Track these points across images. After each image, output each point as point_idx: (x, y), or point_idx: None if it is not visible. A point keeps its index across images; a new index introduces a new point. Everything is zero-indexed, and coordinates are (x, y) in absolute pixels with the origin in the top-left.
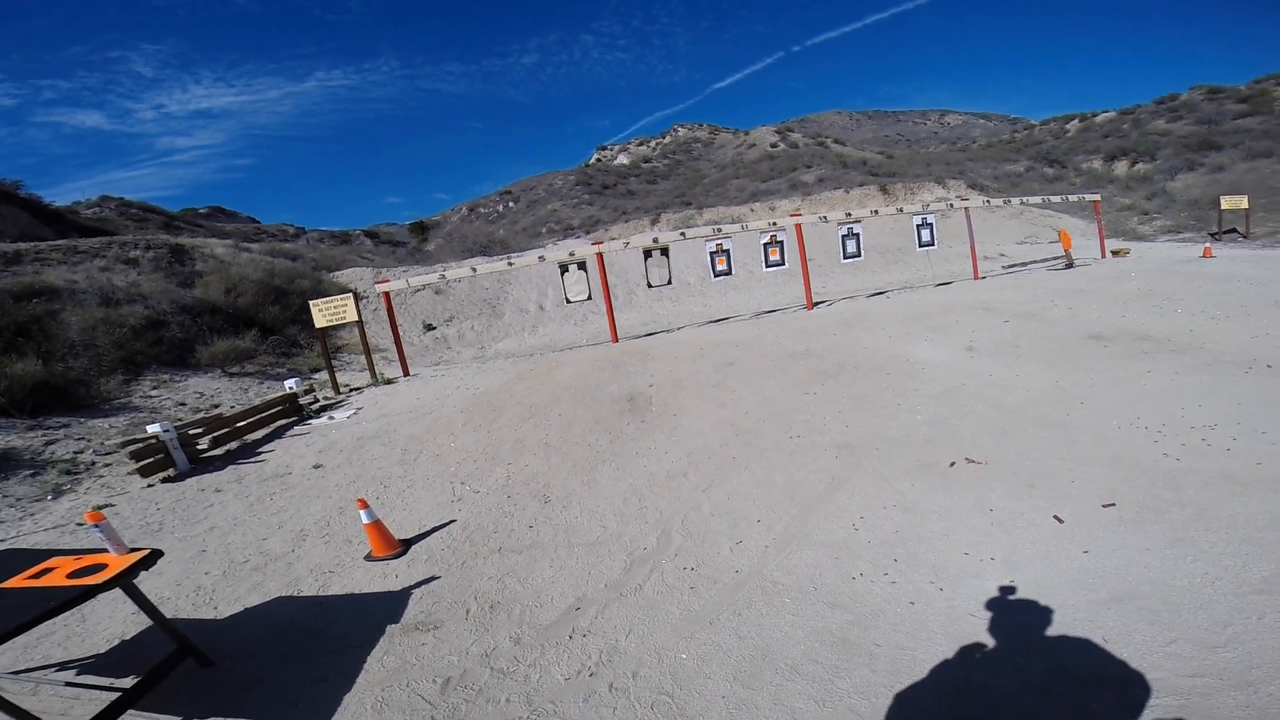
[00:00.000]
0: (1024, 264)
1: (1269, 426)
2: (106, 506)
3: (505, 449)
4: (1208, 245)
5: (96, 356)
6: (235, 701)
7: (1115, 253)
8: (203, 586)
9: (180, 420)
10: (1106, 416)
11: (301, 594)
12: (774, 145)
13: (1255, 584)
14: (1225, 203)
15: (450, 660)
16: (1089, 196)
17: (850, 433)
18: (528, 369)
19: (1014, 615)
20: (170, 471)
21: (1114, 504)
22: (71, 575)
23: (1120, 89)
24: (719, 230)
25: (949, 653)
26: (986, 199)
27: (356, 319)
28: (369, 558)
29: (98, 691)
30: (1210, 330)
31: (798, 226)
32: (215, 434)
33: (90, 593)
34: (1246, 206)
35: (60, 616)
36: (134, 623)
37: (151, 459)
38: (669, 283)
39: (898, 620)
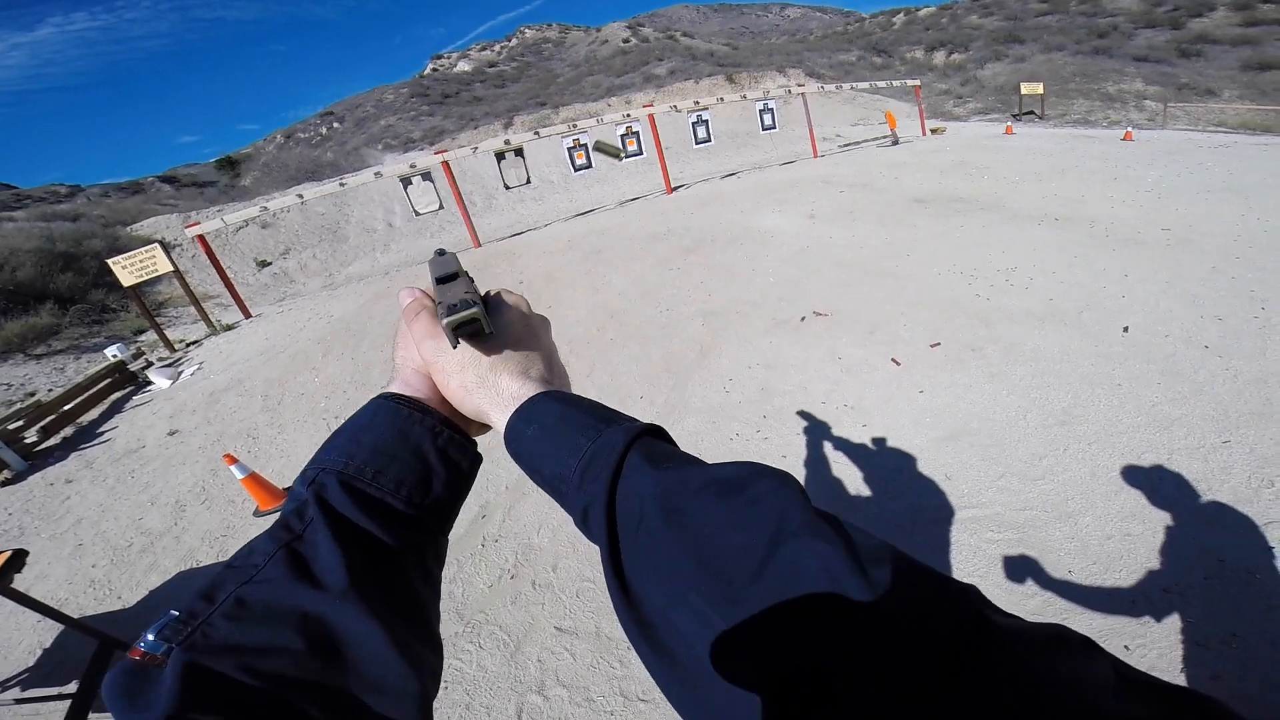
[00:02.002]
0: (857, 143)
1: (1057, 267)
2: None
3: (375, 373)
4: (1009, 124)
5: None
6: None
7: (934, 131)
8: (96, 579)
9: None
10: (929, 265)
11: (201, 564)
12: (626, 41)
13: (1058, 415)
14: (1025, 89)
15: None
16: (911, 82)
17: (713, 300)
18: (386, 286)
19: (870, 459)
20: (5, 474)
21: (940, 343)
22: None
23: None
24: (574, 126)
25: (820, 500)
26: (822, 86)
27: (172, 269)
28: (258, 513)
29: (51, 702)
30: (1010, 192)
31: (650, 117)
32: (42, 423)
33: None
34: (1042, 92)
35: None
36: (45, 631)
37: None
38: (528, 182)
39: None
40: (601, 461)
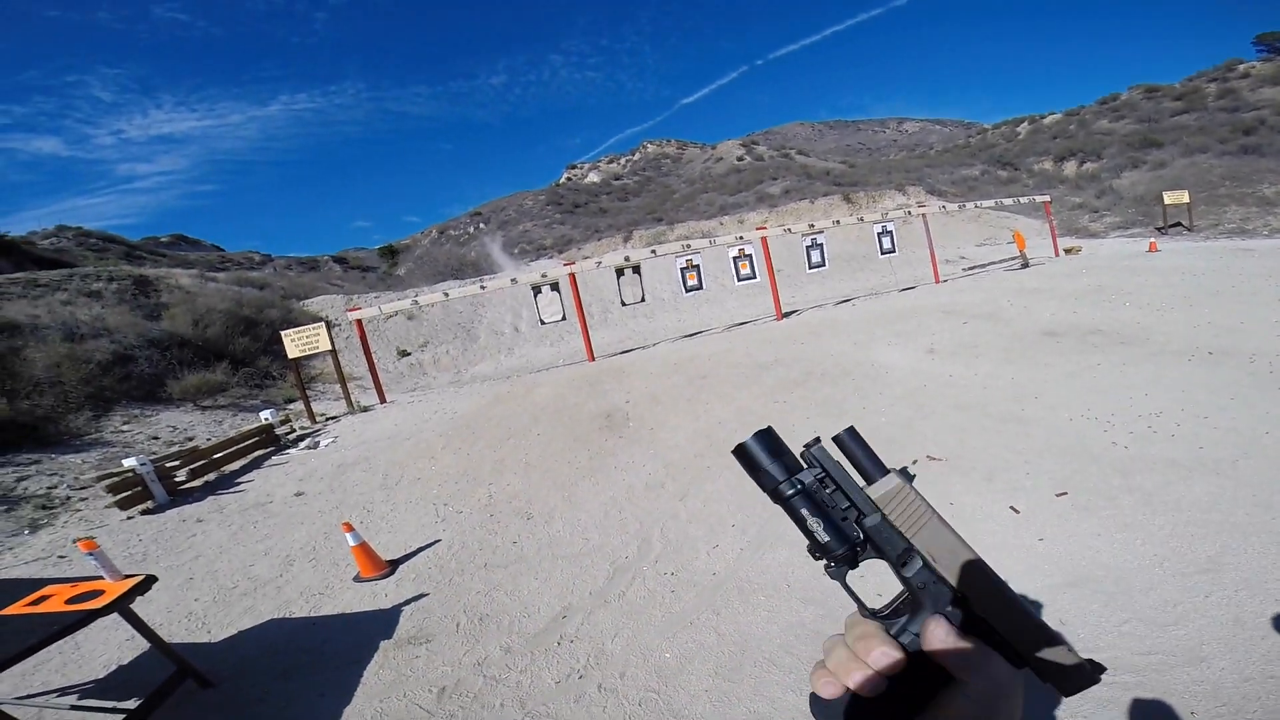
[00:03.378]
0: (983, 265)
1: (1210, 411)
2: (92, 539)
3: (485, 470)
4: (1153, 240)
5: (63, 393)
6: (241, 718)
7: (1068, 251)
8: (194, 612)
9: (155, 454)
10: (1059, 409)
11: (293, 615)
12: (740, 158)
13: (1201, 564)
14: (1168, 198)
15: (444, 670)
16: (1039, 198)
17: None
18: (505, 391)
19: None
20: (149, 504)
21: (1066, 493)
22: (70, 601)
23: (1065, 91)
24: (688, 246)
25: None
26: (943, 204)
27: (330, 348)
28: (357, 579)
29: (102, 714)
30: (1155, 322)
31: (764, 240)
32: (192, 466)
33: (91, 617)
34: (1188, 200)
35: (56, 645)
36: (129, 649)
37: (129, 491)
38: (643, 300)
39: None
40: None
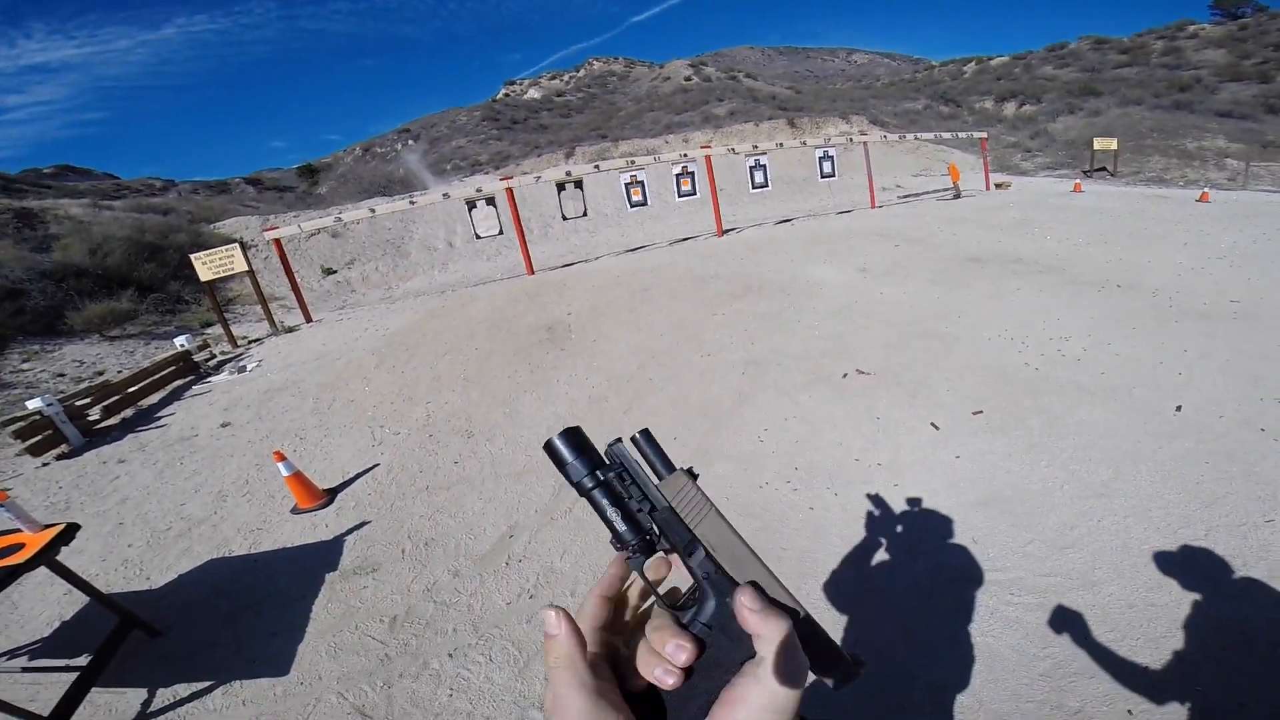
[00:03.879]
0: (917, 195)
1: (1113, 339)
2: (5, 491)
3: (422, 388)
4: (1078, 181)
5: None
6: (193, 665)
7: (998, 185)
8: (129, 559)
9: (63, 392)
10: (980, 329)
11: (233, 554)
12: (688, 79)
13: (1096, 488)
14: (1098, 144)
15: (393, 599)
16: (977, 134)
17: (755, 349)
18: (440, 305)
19: (899, 518)
20: (64, 448)
21: (982, 411)
22: None
23: (1016, 36)
24: (632, 162)
25: (845, 556)
26: (884, 134)
27: (246, 269)
28: (295, 510)
29: (56, 674)
30: (1072, 254)
31: (707, 159)
32: (106, 403)
33: (16, 572)
34: (1116, 148)
35: None
36: (68, 603)
37: (39, 436)
38: (584, 214)
39: (800, 525)
40: None
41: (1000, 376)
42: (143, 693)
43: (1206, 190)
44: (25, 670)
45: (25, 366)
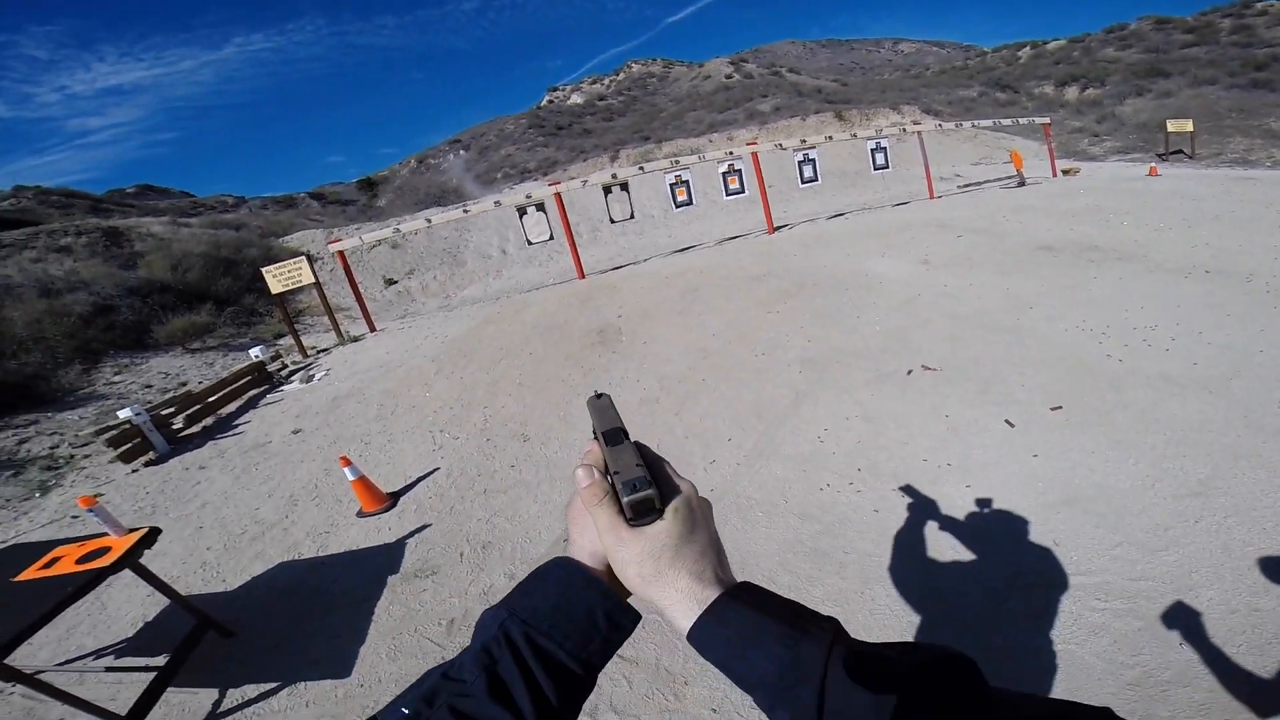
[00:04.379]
0: (978, 184)
1: (1205, 328)
2: (97, 496)
3: (479, 393)
4: (1153, 165)
5: (49, 350)
6: (262, 666)
7: (1066, 172)
8: (207, 562)
9: (150, 402)
10: (1054, 321)
11: (302, 557)
12: (729, 76)
13: (1192, 486)
14: (1171, 125)
15: (451, 602)
16: (1039, 119)
17: (812, 347)
18: (495, 312)
19: (971, 520)
20: (151, 455)
21: (1061, 407)
22: (80, 561)
23: (1070, 19)
24: (677, 162)
25: (913, 560)
26: (939, 123)
27: (313, 281)
28: (360, 514)
29: (136, 673)
30: (1153, 241)
31: (754, 155)
32: (188, 412)
33: (102, 575)
34: (1191, 130)
35: (84, 606)
36: (151, 604)
37: (130, 444)
38: (631, 217)
39: (864, 528)
40: (799, 672)
41: (1079, 369)
42: (214, 693)
43: None
44: (109, 670)
45: (117, 379)
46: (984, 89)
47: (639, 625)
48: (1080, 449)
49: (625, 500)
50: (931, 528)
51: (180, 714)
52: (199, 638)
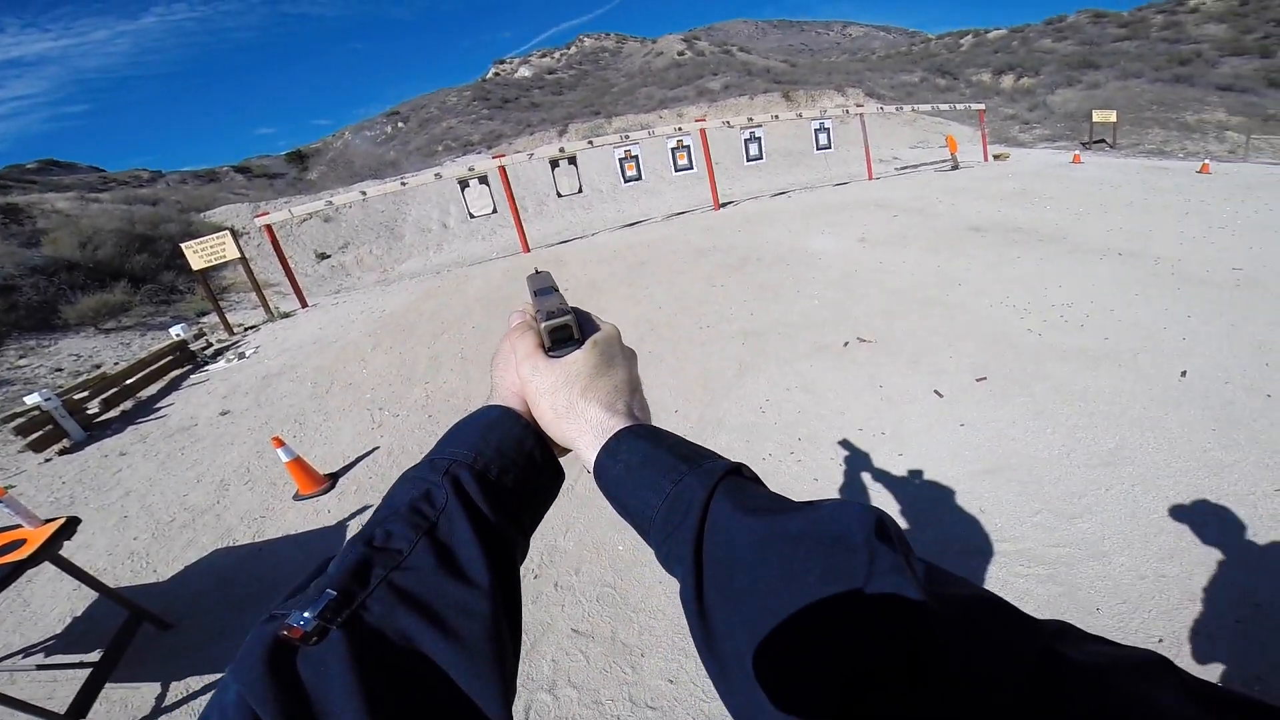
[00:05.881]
0: (915, 166)
1: (1116, 305)
2: (8, 489)
3: (420, 368)
4: (1077, 153)
5: None
6: (204, 657)
7: (997, 157)
8: (136, 552)
9: (60, 386)
10: (981, 297)
11: (238, 543)
12: (681, 53)
13: (1103, 456)
14: (1097, 116)
15: None
16: (975, 106)
17: (755, 320)
18: (435, 286)
19: (904, 488)
20: (65, 443)
21: (985, 378)
22: None
23: (1014, 8)
24: (626, 138)
25: None
26: (881, 106)
27: (239, 256)
28: (297, 496)
29: (71, 670)
30: (1073, 224)
31: (702, 132)
32: (104, 395)
33: (19, 569)
34: (1115, 120)
35: (5, 603)
36: (79, 599)
37: (40, 432)
38: (580, 191)
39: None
40: (684, 505)
41: (1003, 343)
42: (156, 687)
43: (1207, 162)
44: (40, 668)
45: (22, 362)
46: (925, 74)
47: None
48: (1003, 419)
49: (543, 326)
50: (868, 497)
51: (123, 710)
52: (133, 631)
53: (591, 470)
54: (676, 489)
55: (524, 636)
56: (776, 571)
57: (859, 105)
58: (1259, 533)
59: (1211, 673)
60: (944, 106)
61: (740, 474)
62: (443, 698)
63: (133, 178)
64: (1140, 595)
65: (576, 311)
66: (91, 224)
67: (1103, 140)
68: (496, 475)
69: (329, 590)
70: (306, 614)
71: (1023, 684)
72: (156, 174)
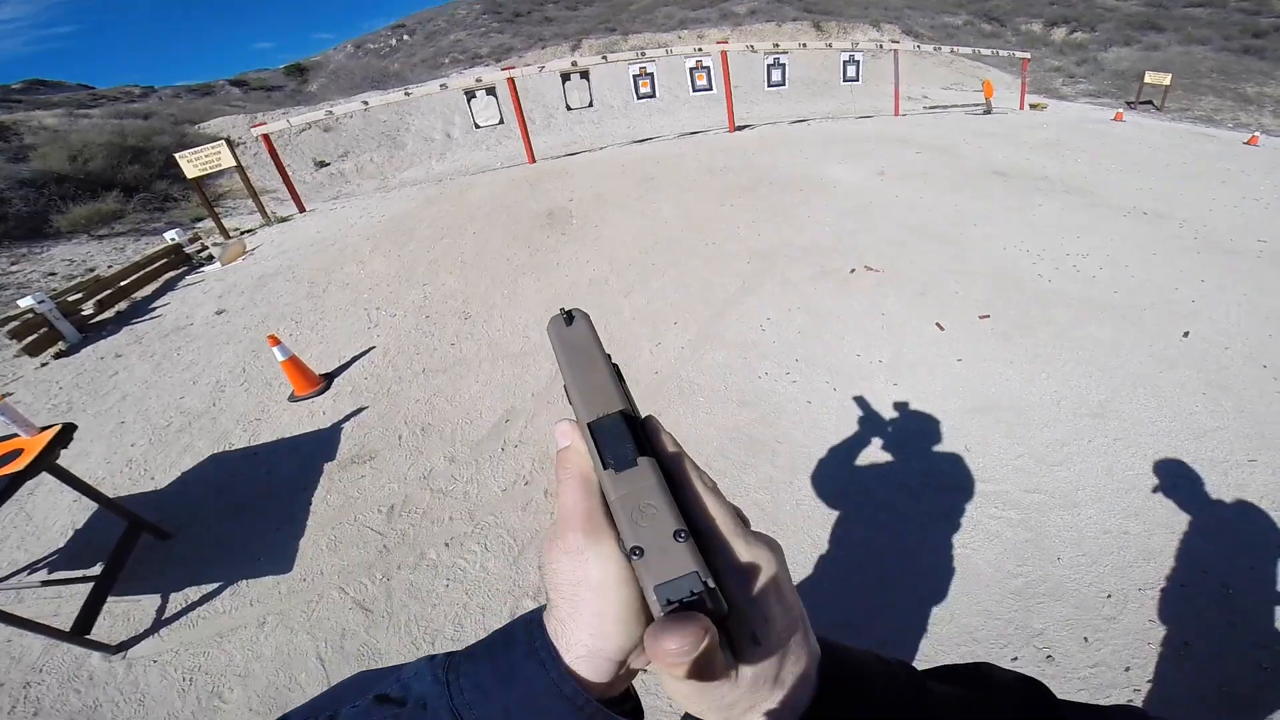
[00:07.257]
0: (945, 107)
1: (1131, 262)
2: (5, 396)
3: (419, 270)
4: (1120, 110)
5: None
6: (202, 566)
7: (1033, 106)
8: (133, 459)
9: (54, 290)
10: (996, 239)
11: (233, 447)
12: None
13: (1092, 407)
14: (1149, 77)
15: (391, 488)
16: (1019, 54)
17: (762, 240)
18: (437, 193)
19: (895, 418)
20: (61, 345)
21: (989, 316)
22: None
23: None
24: (643, 54)
25: (839, 452)
26: (918, 44)
27: (234, 164)
28: (292, 398)
29: (75, 585)
30: (1102, 179)
31: (723, 54)
32: (99, 297)
33: (18, 480)
34: (1168, 83)
35: (8, 517)
36: (79, 510)
37: (35, 335)
38: (590, 105)
39: (797, 418)
40: None
41: (1011, 285)
42: (156, 599)
43: (1256, 134)
44: (45, 584)
45: (15, 268)
46: (971, 18)
47: None
48: (1001, 359)
49: (662, 613)
50: (859, 424)
51: (125, 623)
52: (133, 542)
53: None
54: None
55: (513, 542)
56: None
57: (894, 40)
58: (1223, 501)
59: (1146, 634)
60: (986, 51)
61: None
62: None
63: (123, 94)
64: (1101, 549)
65: (695, 526)
66: (81, 138)
67: (1149, 101)
68: None
69: None
70: None
71: None
72: (148, 89)
